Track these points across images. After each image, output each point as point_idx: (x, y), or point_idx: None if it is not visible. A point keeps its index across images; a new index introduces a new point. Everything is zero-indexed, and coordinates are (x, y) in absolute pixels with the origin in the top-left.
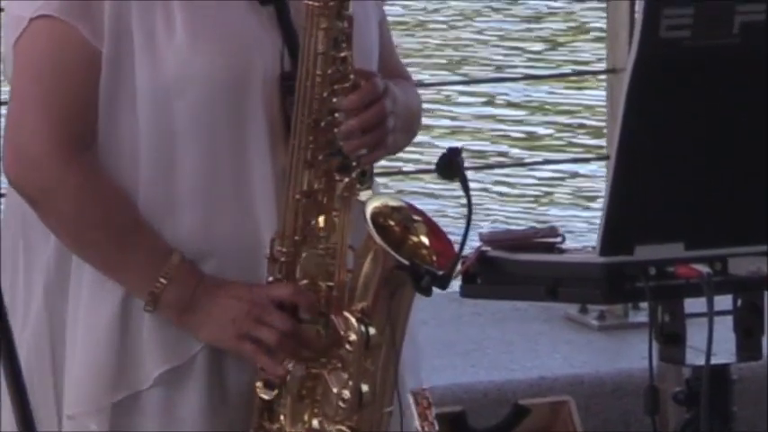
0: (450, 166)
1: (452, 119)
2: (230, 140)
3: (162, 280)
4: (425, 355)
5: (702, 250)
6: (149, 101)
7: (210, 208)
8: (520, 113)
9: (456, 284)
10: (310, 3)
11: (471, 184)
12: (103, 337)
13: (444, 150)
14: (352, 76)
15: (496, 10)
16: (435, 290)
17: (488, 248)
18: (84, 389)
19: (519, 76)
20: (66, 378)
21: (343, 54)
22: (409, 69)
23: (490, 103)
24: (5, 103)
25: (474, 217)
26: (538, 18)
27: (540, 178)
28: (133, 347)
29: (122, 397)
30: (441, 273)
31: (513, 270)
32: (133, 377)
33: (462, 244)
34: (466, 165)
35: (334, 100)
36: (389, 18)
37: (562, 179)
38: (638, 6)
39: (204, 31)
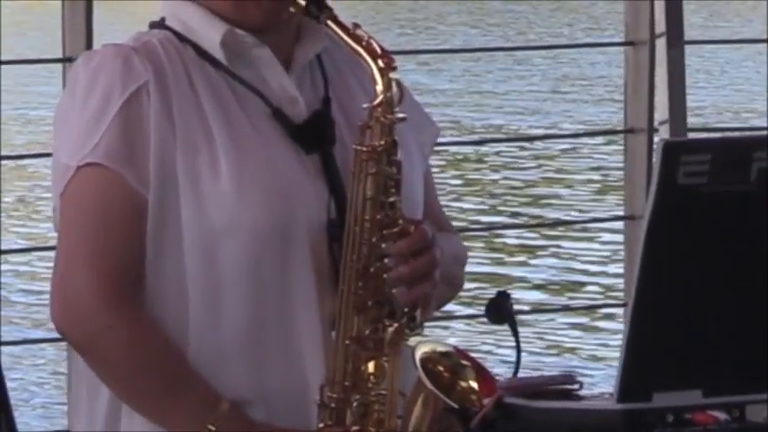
0: (500, 310)
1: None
2: (276, 288)
3: (210, 428)
4: None
5: (720, 397)
6: (195, 248)
7: (258, 355)
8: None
9: None
10: (359, 147)
11: None
12: None
13: (494, 295)
14: (400, 222)
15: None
16: None
17: (506, 395)
18: None
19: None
20: None
21: (391, 199)
22: None
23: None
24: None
25: None
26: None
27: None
28: None
29: None
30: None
31: (531, 417)
32: None
33: None
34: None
35: (383, 245)
36: None
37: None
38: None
39: (249, 179)
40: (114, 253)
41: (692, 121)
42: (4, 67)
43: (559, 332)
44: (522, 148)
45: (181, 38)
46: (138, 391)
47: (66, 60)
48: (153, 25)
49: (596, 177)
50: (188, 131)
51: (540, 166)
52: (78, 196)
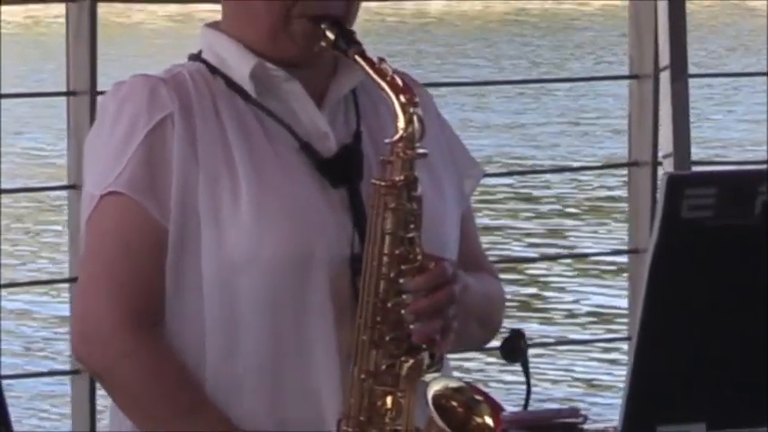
0: (513, 349)
1: None
2: (294, 321)
3: None
4: None
5: (724, 430)
6: (215, 280)
7: (275, 388)
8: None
9: None
10: (377, 182)
11: None
12: None
13: (508, 332)
14: (419, 257)
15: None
16: None
17: (511, 429)
18: None
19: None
20: None
21: (410, 235)
22: None
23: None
24: None
25: None
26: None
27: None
28: None
29: None
30: None
31: None
32: None
33: None
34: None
35: (401, 281)
36: None
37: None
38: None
39: (269, 212)
40: (133, 283)
41: (695, 152)
42: None
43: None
44: (527, 181)
45: (213, 70)
46: (154, 419)
47: (71, 94)
48: (190, 57)
49: (602, 210)
50: (211, 163)
51: (544, 198)
52: (100, 225)
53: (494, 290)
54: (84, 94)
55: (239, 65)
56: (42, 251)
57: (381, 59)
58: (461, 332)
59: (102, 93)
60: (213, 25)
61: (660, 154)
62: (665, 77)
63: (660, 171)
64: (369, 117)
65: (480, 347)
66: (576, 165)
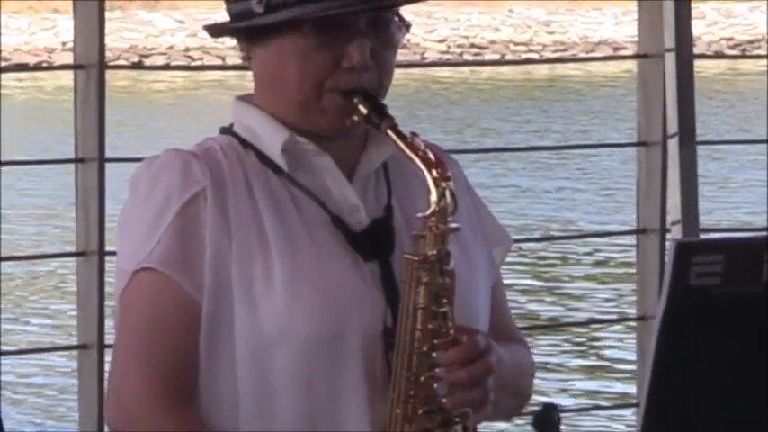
0: (545, 422)
1: None
2: (327, 395)
3: None
4: None
5: None
6: (248, 355)
7: None
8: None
9: None
10: (410, 257)
11: None
12: None
13: (541, 405)
14: (452, 332)
15: None
16: None
17: None
18: None
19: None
20: None
21: (443, 309)
22: None
23: None
24: None
25: None
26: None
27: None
28: None
29: None
30: None
31: None
32: None
33: None
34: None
35: (434, 354)
36: None
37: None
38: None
39: (302, 289)
40: (166, 359)
41: (703, 220)
42: None
43: None
44: (540, 248)
45: (244, 144)
46: None
47: (79, 161)
48: (222, 130)
49: (612, 275)
50: (244, 239)
51: (555, 265)
52: (133, 301)
53: (525, 360)
54: (92, 161)
55: (271, 139)
56: (50, 317)
57: (414, 134)
58: (495, 403)
59: (109, 160)
60: (245, 98)
61: (669, 220)
62: (673, 144)
63: (668, 236)
64: (399, 190)
65: (510, 418)
66: (585, 230)
